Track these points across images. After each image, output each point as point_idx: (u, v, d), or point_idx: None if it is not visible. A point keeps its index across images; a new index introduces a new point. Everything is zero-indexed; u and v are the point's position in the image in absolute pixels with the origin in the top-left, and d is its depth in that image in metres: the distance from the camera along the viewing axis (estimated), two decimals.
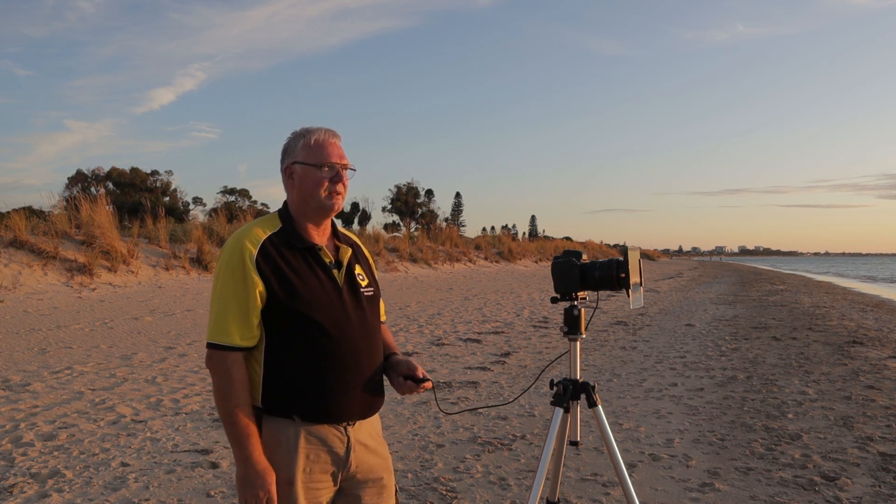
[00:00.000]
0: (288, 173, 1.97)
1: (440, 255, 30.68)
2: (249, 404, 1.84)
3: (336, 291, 1.93)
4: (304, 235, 1.95)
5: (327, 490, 1.92)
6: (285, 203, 2.03)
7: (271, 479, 1.82)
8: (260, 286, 1.83)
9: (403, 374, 2.02)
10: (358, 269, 2.03)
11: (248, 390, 1.84)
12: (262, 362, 1.88)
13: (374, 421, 2.06)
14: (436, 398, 2.29)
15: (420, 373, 2.01)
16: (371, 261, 2.17)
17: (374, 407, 2.01)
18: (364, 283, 2.02)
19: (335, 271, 1.96)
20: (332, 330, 1.88)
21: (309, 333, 1.86)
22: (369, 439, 2.00)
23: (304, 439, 1.87)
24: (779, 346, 9.66)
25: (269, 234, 1.91)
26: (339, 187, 1.94)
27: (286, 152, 1.98)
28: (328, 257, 1.96)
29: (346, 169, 1.97)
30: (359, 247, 2.12)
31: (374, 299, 2.05)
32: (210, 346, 1.84)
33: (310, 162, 1.92)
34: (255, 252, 1.85)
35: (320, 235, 1.99)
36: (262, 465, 1.81)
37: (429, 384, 2.00)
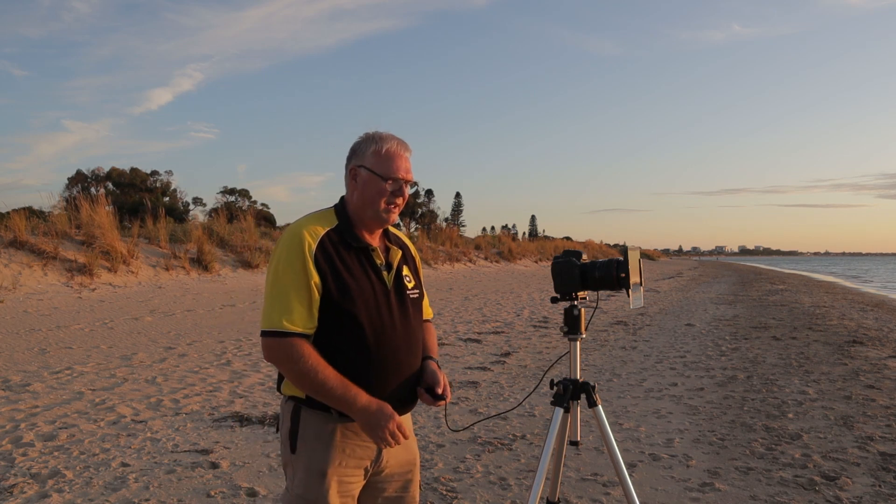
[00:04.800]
0: (352, 175, 1.98)
1: (440, 255, 30.67)
2: (327, 366, 1.84)
3: (384, 293, 1.96)
4: (360, 235, 1.97)
5: (358, 483, 1.96)
6: (342, 200, 2.04)
7: (388, 410, 1.86)
8: (316, 279, 1.85)
9: (427, 383, 2.04)
10: (405, 271, 2.06)
11: (319, 358, 1.84)
12: None
13: (406, 416, 2.08)
14: (445, 414, 2.28)
15: (440, 388, 2.01)
16: (418, 260, 2.19)
17: (410, 405, 2.04)
18: (410, 286, 2.05)
19: (385, 273, 1.99)
20: (376, 330, 1.91)
21: (354, 332, 1.88)
22: None
23: (340, 434, 1.91)
24: (779, 345, 9.66)
25: (328, 229, 1.93)
26: (399, 201, 1.98)
27: (355, 153, 1.99)
28: (380, 259, 1.99)
29: (408, 184, 1.99)
30: (408, 248, 2.15)
31: (418, 301, 2.08)
32: (271, 334, 1.83)
33: (377, 171, 1.94)
34: (314, 246, 1.87)
35: (373, 236, 2.01)
36: (373, 404, 1.85)
37: (444, 402, 2.01)
